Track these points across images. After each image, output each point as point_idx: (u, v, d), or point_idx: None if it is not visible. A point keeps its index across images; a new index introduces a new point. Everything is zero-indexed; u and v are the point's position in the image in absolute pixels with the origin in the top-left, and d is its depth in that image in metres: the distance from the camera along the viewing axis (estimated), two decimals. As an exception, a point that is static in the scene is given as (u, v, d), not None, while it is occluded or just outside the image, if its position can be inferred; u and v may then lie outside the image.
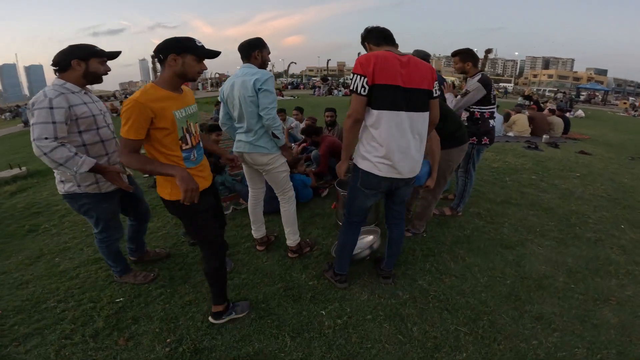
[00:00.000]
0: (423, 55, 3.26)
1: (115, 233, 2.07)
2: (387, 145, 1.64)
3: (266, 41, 2.10)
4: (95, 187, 1.84)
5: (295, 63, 37.81)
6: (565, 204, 3.54)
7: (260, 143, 2.10)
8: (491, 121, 2.80)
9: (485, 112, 2.77)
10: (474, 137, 2.80)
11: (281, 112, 5.57)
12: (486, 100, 2.72)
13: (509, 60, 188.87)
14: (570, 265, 2.38)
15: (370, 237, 2.53)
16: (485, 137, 2.81)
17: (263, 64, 2.09)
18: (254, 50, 2.04)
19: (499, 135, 7.85)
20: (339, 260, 2.09)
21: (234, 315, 1.86)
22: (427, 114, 1.71)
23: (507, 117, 8.62)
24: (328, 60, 39.42)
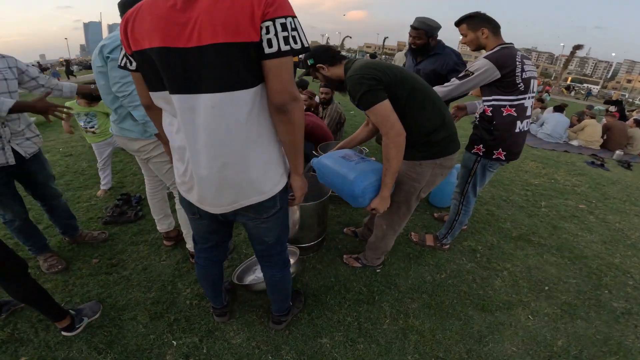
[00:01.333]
0: (427, 29, 2.39)
1: (3, 214, 1.72)
2: (176, 152, 1.01)
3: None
4: None
5: (350, 37, 35.86)
6: (608, 252, 2.53)
7: (125, 125, 1.61)
8: (518, 123, 1.79)
9: (503, 107, 1.78)
10: (481, 146, 1.90)
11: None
12: (506, 87, 1.75)
13: (601, 62, 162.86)
14: (557, 349, 1.56)
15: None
16: (499, 149, 1.84)
17: None
18: (127, 9, 1.49)
19: (558, 142, 6.38)
20: (206, 293, 1.57)
21: (86, 320, 1.56)
22: (239, 94, 0.85)
23: (580, 117, 6.98)
24: (385, 38, 36.84)
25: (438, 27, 2.40)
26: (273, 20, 0.79)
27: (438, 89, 1.85)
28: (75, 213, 2.44)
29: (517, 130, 1.81)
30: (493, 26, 1.78)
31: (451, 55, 2.42)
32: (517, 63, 1.71)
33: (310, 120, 3.31)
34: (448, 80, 2.45)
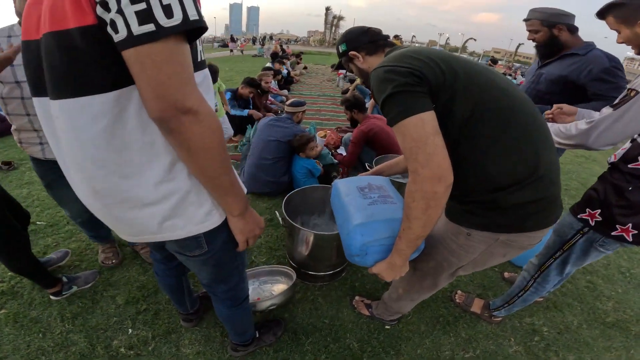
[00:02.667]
0: (541, 17, 1.71)
1: (64, 209, 1.71)
2: None
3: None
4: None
5: (474, 40, 32.07)
6: None
7: None
8: None
9: None
10: (597, 212, 1.17)
11: None
12: None
13: None
14: None
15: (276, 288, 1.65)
16: (628, 224, 1.10)
17: None
18: None
19: None
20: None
21: (75, 289, 1.61)
22: (85, 101, 0.57)
23: None
24: (519, 45, 31.55)
25: (560, 13, 1.67)
26: None
27: (572, 129, 1.14)
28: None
29: None
30: None
31: (601, 58, 1.57)
32: None
33: (376, 124, 2.82)
34: (587, 95, 1.61)
